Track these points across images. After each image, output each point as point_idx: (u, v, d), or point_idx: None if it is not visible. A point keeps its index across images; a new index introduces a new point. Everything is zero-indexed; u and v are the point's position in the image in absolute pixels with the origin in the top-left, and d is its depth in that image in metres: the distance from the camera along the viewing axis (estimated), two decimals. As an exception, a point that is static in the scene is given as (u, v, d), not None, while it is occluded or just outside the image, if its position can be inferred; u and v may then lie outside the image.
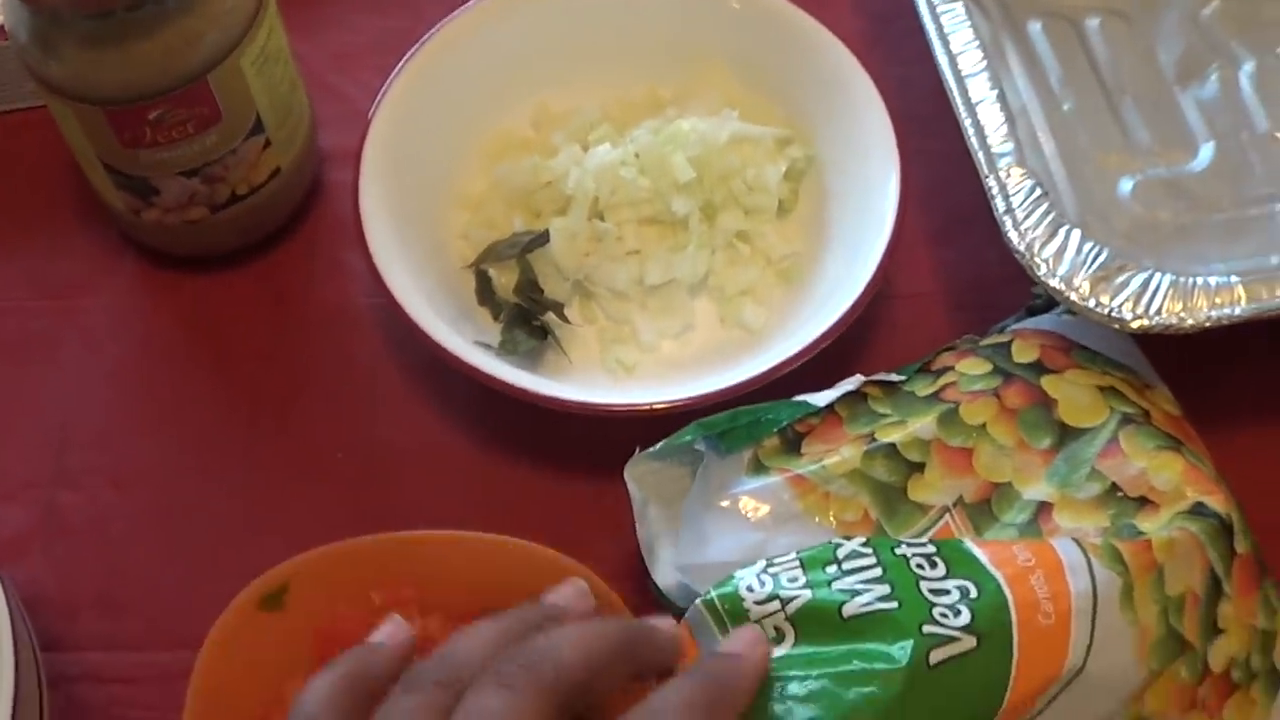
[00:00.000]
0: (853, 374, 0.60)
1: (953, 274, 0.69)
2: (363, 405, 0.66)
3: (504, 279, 0.67)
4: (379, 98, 0.66)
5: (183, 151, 0.63)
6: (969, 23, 0.68)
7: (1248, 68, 0.72)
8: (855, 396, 0.58)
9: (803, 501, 0.55)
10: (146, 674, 0.60)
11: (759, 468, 0.56)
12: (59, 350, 0.68)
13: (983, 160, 0.64)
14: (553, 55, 0.71)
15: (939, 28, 0.68)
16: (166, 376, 0.68)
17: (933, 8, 0.69)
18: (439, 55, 0.68)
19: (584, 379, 0.64)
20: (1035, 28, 0.72)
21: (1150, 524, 0.52)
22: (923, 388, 0.58)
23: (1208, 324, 0.59)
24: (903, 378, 0.59)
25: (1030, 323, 0.62)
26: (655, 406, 0.60)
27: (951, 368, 0.59)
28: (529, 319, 0.66)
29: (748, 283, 0.67)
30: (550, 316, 0.66)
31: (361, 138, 0.65)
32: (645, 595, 0.57)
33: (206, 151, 0.63)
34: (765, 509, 0.55)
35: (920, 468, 0.55)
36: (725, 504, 0.56)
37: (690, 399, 0.60)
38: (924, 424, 0.56)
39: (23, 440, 0.66)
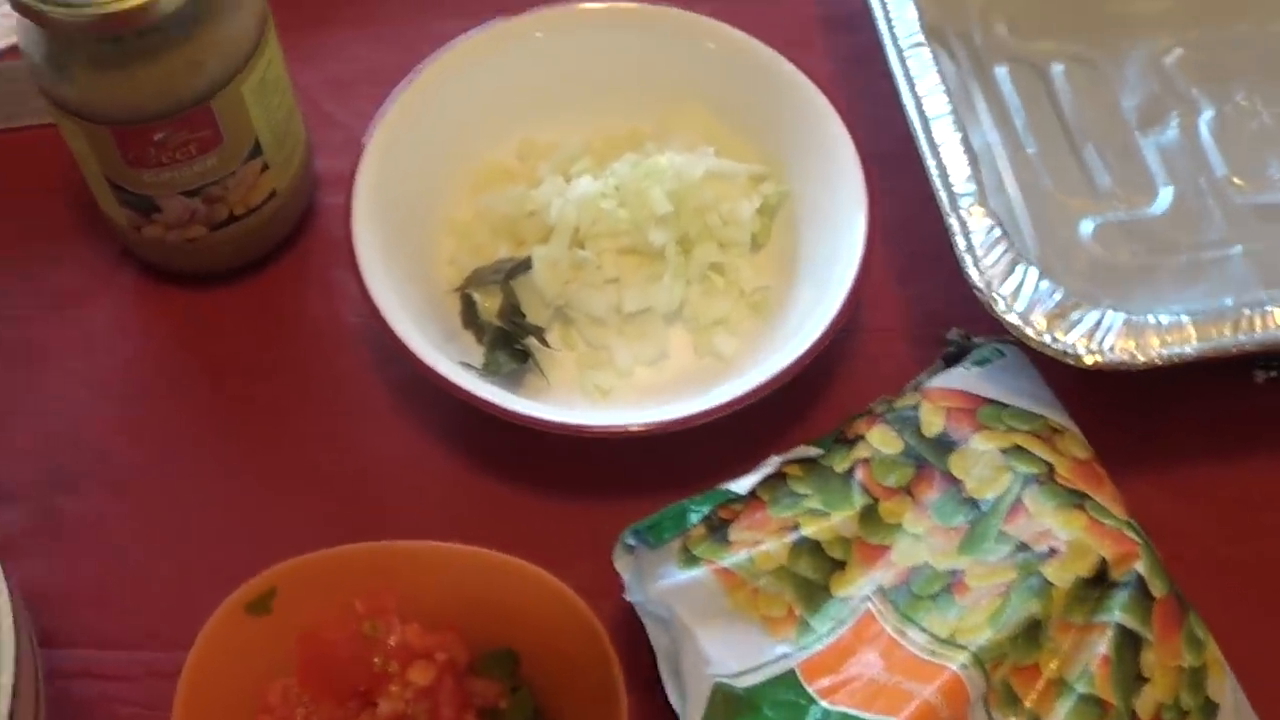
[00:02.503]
0: (823, 404, 0.62)
1: (917, 310, 0.72)
2: (351, 420, 0.69)
3: (488, 303, 0.70)
4: (372, 126, 0.69)
5: (184, 172, 0.66)
6: (936, 67, 0.70)
7: (1207, 115, 0.75)
8: (776, 478, 0.61)
9: (731, 598, 0.58)
10: (139, 671, 0.62)
11: (689, 558, 0.59)
12: (58, 359, 0.71)
13: (945, 200, 0.66)
14: (538, 90, 0.74)
15: (906, 71, 0.71)
16: (162, 387, 0.70)
17: (900, 52, 0.71)
18: (430, 87, 0.71)
19: (562, 401, 0.67)
20: (1002, 72, 0.75)
21: (1057, 574, 0.55)
22: (839, 461, 0.61)
23: (1159, 361, 0.62)
24: (820, 451, 0.62)
25: (940, 380, 0.64)
26: (630, 428, 0.63)
27: (863, 437, 0.62)
28: (511, 342, 0.68)
29: (721, 313, 0.70)
30: (531, 340, 0.68)
31: (354, 164, 0.68)
32: (620, 611, 0.59)
33: (207, 173, 0.66)
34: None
35: (842, 565, 0.58)
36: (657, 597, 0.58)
37: (664, 422, 0.63)
38: (845, 520, 0.59)
39: (21, 444, 0.68)
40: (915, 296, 0.73)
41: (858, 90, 0.77)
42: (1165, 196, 0.72)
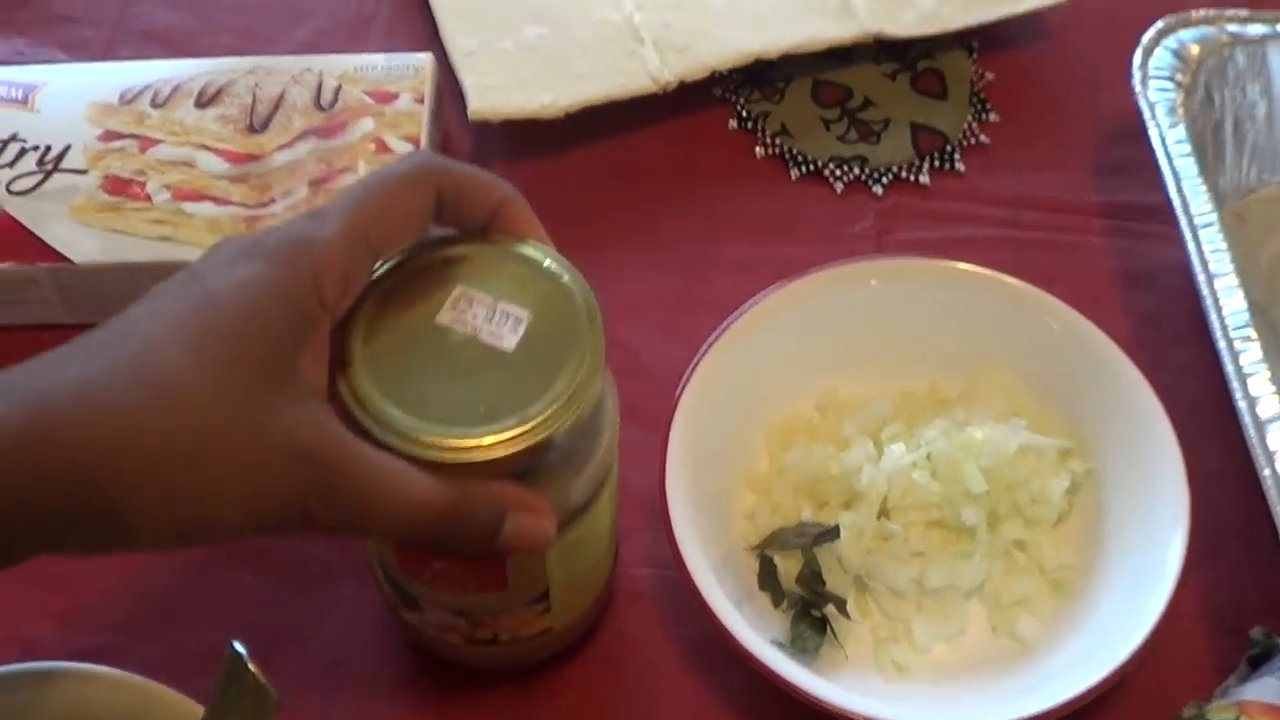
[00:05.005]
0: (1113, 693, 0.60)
1: (1213, 595, 0.70)
2: (635, 676, 0.67)
3: (786, 565, 0.68)
4: (685, 381, 0.68)
5: (456, 599, 0.61)
6: (1258, 342, 0.68)
7: None
8: None
9: None
10: None
11: None
12: (306, 644, 0.68)
13: (1272, 487, 0.64)
14: (842, 342, 0.72)
15: (1230, 345, 0.69)
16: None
17: (1225, 328, 0.69)
18: (739, 339, 0.70)
19: (858, 677, 0.65)
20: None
21: None
22: None
23: None
24: None
25: (1251, 691, 0.62)
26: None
27: None
28: (809, 610, 0.67)
29: (1022, 593, 0.68)
30: (830, 609, 0.67)
31: (668, 423, 0.67)
32: None
33: (479, 605, 0.62)
34: None
35: None
36: None
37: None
38: None
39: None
40: (1210, 581, 0.70)
41: (1155, 353, 0.74)
42: None
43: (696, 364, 0.69)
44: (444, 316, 0.55)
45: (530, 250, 0.57)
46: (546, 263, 0.57)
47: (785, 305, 0.71)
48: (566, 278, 0.57)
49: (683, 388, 0.68)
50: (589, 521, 0.60)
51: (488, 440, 0.53)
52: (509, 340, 0.55)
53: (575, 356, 0.55)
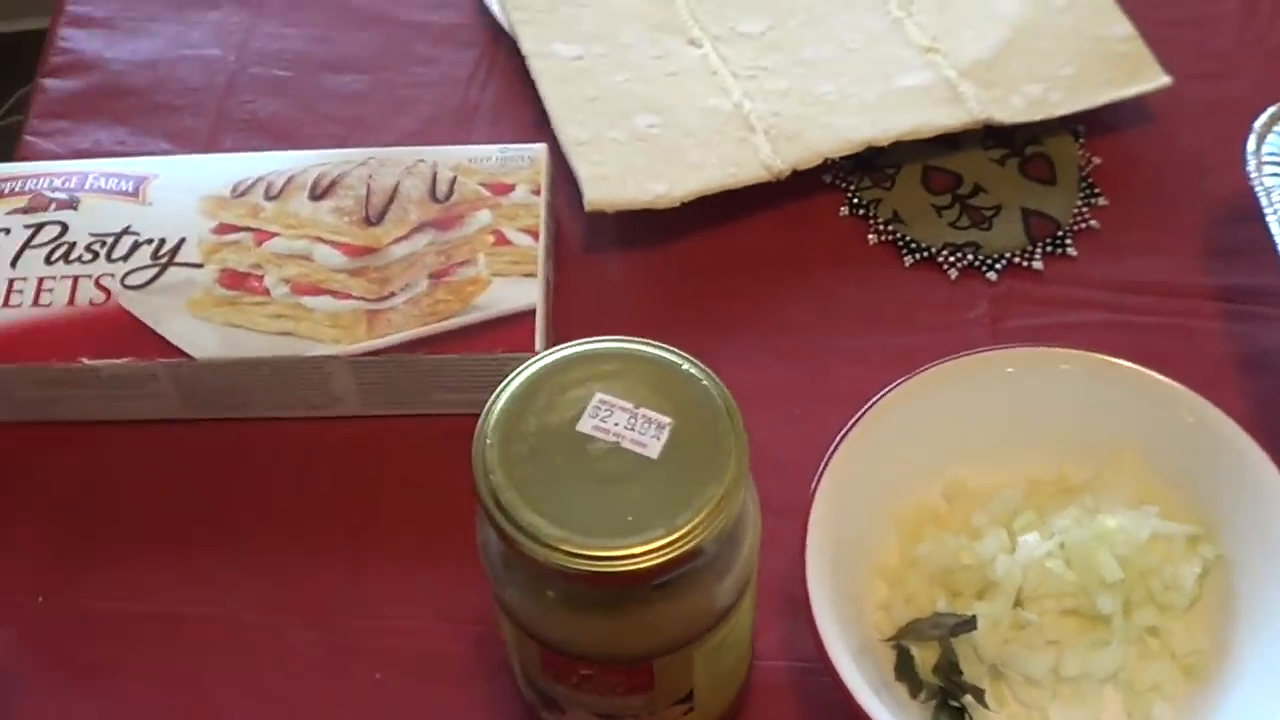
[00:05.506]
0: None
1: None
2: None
3: (923, 656, 0.68)
4: (820, 473, 0.68)
5: (601, 701, 0.61)
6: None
7: None
8: None
9: None
10: None
11: None
12: (467, 675, 0.69)
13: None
14: (968, 433, 0.72)
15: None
16: None
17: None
18: (870, 430, 0.69)
19: (999, 769, 0.65)
20: None
21: None
22: None
23: None
24: None
25: None
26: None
27: None
28: (948, 700, 0.66)
29: (1156, 679, 0.67)
30: (968, 699, 0.67)
31: (798, 513, 0.66)
32: None
33: (625, 708, 0.61)
34: None
35: None
36: None
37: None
38: None
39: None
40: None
41: (1273, 436, 0.75)
42: None
43: (830, 456, 0.69)
44: (585, 424, 0.56)
45: (666, 353, 0.58)
46: (684, 366, 0.57)
47: (916, 396, 0.71)
48: (705, 380, 0.57)
49: (818, 480, 0.68)
50: (733, 622, 0.60)
51: (638, 550, 0.53)
52: (653, 447, 0.55)
53: (721, 462, 0.55)
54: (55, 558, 0.73)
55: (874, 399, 0.71)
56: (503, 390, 0.56)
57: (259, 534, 0.74)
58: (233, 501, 0.75)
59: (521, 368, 0.57)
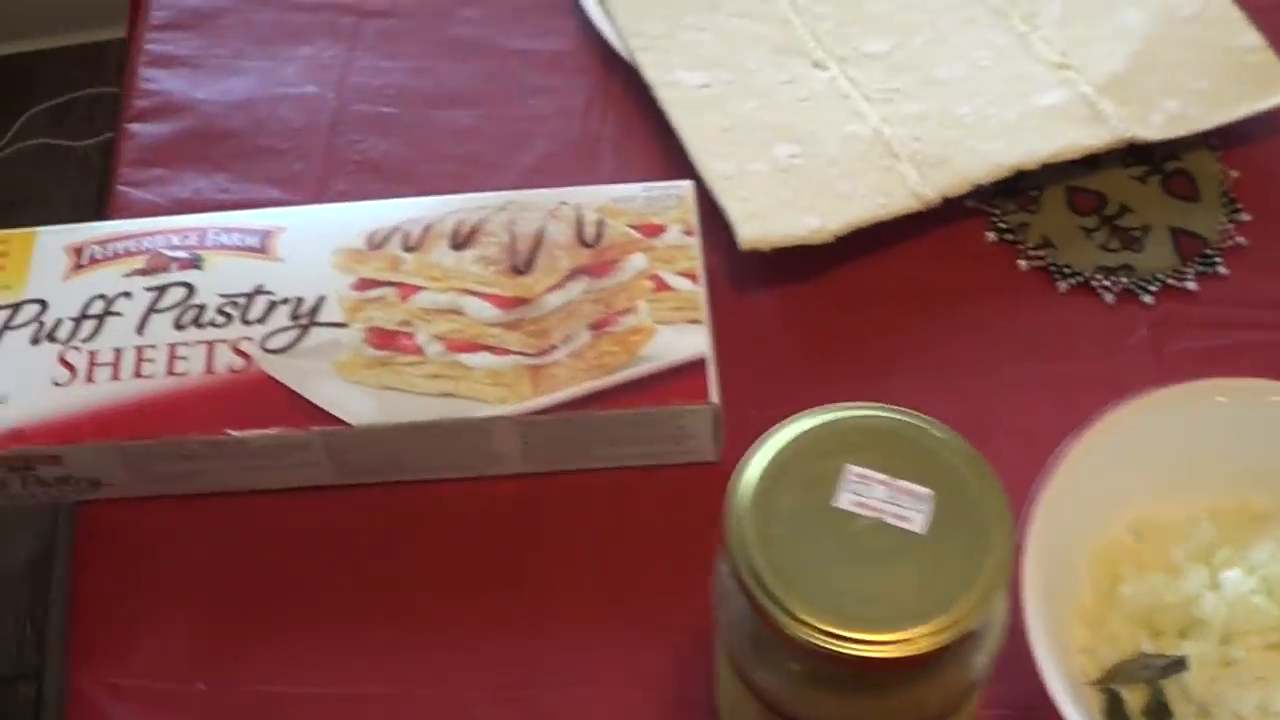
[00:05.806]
0: None
1: None
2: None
3: (1131, 698, 0.67)
4: (1027, 520, 0.66)
5: None
6: None
7: None
8: None
9: None
10: None
11: None
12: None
13: None
14: (1155, 467, 0.71)
15: None
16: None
17: None
18: (1066, 472, 0.68)
19: (1218, 808, 0.65)
20: None
21: None
22: None
23: None
24: None
25: None
26: None
27: None
28: (1161, 742, 0.66)
29: (1357, 706, 0.68)
30: (1184, 740, 0.66)
31: (1018, 568, 0.65)
32: None
33: None
34: None
35: None
36: None
37: None
38: None
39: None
40: None
41: None
42: None
43: (1033, 503, 0.68)
44: (843, 499, 0.54)
45: (913, 419, 0.56)
46: (930, 430, 0.55)
47: (1108, 433, 0.70)
48: (957, 445, 0.55)
49: (1025, 527, 0.67)
50: (979, 687, 0.59)
51: (913, 634, 0.51)
52: (917, 522, 0.54)
53: (989, 533, 0.53)
54: (211, 640, 0.70)
55: (1066, 442, 0.69)
56: (745, 464, 0.55)
57: (426, 603, 0.71)
58: (394, 570, 0.72)
59: (759, 441, 0.55)
